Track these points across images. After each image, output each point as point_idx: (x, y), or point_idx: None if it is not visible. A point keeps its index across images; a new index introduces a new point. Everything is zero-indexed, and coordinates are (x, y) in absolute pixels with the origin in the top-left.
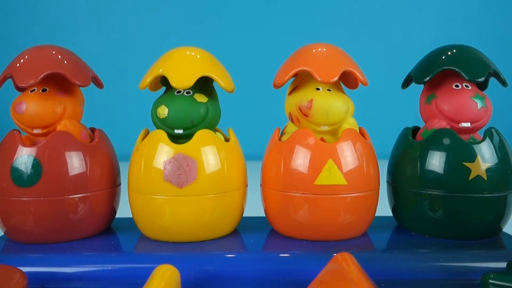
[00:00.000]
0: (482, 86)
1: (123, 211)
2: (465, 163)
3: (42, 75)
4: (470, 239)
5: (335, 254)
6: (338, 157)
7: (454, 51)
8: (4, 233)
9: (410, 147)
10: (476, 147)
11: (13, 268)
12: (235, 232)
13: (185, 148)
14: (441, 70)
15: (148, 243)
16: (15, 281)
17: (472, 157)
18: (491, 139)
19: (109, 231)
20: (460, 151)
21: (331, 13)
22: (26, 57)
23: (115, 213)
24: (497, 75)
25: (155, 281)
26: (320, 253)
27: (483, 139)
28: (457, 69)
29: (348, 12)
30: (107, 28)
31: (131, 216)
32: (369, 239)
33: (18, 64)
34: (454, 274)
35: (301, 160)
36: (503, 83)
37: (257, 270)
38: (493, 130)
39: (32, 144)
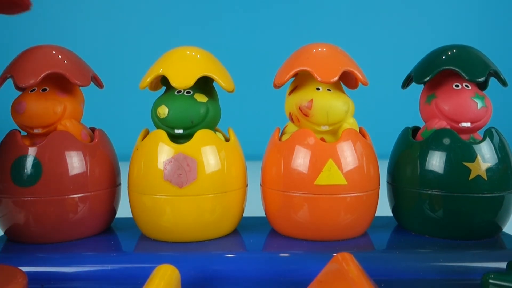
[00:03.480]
0: (482, 86)
1: (123, 211)
2: (465, 163)
3: (42, 75)
4: (470, 239)
5: (335, 254)
6: (338, 157)
7: (454, 51)
8: (4, 233)
9: (410, 147)
10: (476, 147)
11: (13, 268)
12: (235, 232)
13: (185, 148)
14: (441, 70)
15: (148, 243)
16: (15, 280)
17: (472, 157)
18: (491, 139)
19: (109, 231)
20: (460, 151)
21: (331, 13)
22: (26, 57)
23: (115, 213)
24: (497, 75)
25: (155, 281)
26: (320, 253)
27: (483, 139)
28: (457, 69)
29: (348, 12)
30: (107, 28)
31: (131, 216)
32: (369, 239)
33: (18, 64)
34: (454, 274)
35: (301, 160)
36: (503, 83)
37: (257, 270)
38: (493, 130)
39: (32, 144)
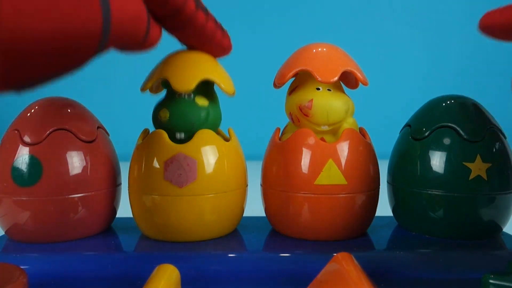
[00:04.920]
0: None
1: (123, 211)
2: (465, 163)
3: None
4: (470, 239)
5: (335, 254)
6: (338, 157)
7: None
8: (5, 232)
9: (410, 147)
10: (476, 147)
11: (14, 266)
12: (235, 232)
13: (185, 148)
14: (439, 126)
15: (148, 243)
16: (16, 279)
17: (473, 157)
18: (492, 139)
19: (110, 230)
20: (461, 151)
21: (332, 13)
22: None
23: (115, 212)
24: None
25: (155, 281)
26: (320, 253)
27: (483, 139)
28: (455, 126)
29: (348, 12)
30: None
31: (131, 216)
32: (369, 239)
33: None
34: (453, 274)
35: (301, 160)
36: (504, 137)
37: (257, 270)
38: (493, 130)
39: (32, 143)
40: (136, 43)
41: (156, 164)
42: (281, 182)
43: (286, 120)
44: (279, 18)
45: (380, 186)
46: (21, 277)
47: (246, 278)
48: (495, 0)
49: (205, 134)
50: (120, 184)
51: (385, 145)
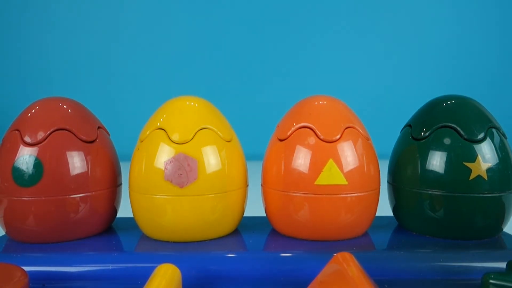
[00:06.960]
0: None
1: (124, 211)
2: (466, 163)
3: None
4: (470, 239)
5: (335, 254)
6: (339, 157)
7: (453, 102)
8: (6, 232)
9: (410, 147)
10: (476, 147)
11: (15, 266)
12: (235, 232)
13: (185, 148)
14: (439, 127)
15: (149, 243)
16: (17, 279)
17: (473, 157)
18: (492, 139)
19: (110, 230)
20: (461, 151)
21: (333, 14)
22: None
23: (116, 212)
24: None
25: (156, 280)
26: (320, 253)
27: (484, 139)
28: (454, 126)
29: (348, 13)
30: (107, 28)
31: (132, 216)
32: (370, 239)
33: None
34: (454, 274)
35: (301, 160)
36: (504, 137)
37: (257, 270)
38: (493, 130)
39: (33, 143)
40: None
41: (156, 164)
42: (281, 182)
43: None
44: (280, 20)
45: (380, 186)
46: (21, 277)
47: (246, 278)
48: (494, 0)
49: (205, 134)
50: (121, 184)
51: (385, 145)
